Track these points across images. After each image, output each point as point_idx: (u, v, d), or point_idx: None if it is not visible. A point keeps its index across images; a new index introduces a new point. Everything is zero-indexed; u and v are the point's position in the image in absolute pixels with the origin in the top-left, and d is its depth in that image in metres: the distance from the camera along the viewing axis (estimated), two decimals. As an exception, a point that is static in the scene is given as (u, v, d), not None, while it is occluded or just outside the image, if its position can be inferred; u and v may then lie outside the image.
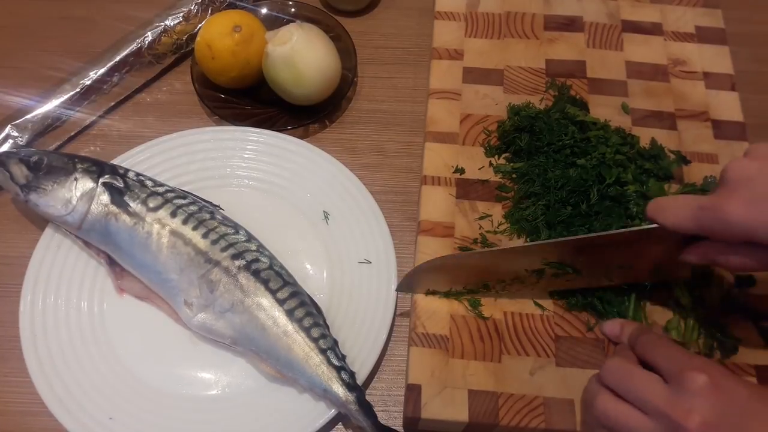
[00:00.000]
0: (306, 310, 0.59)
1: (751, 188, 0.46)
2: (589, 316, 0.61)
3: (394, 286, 0.63)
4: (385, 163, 0.73)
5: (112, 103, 0.75)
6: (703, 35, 0.78)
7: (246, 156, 0.70)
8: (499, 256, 0.58)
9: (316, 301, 0.61)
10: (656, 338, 0.52)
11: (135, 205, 0.62)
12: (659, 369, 0.48)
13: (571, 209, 0.63)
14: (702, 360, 0.48)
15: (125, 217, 0.61)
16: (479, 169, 0.69)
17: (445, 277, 0.60)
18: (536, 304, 0.61)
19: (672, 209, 0.50)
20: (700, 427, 0.43)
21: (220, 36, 0.71)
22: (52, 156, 0.64)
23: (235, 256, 0.60)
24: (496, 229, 0.65)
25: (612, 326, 0.59)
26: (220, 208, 0.65)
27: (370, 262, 0.64)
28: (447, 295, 0.61)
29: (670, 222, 0.50)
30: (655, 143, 0.69)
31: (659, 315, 0.60)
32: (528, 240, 0.64)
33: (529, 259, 0.58)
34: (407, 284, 0.61)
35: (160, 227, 0.61)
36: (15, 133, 0.69)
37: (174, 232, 0.61)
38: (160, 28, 0.75)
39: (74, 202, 0.62)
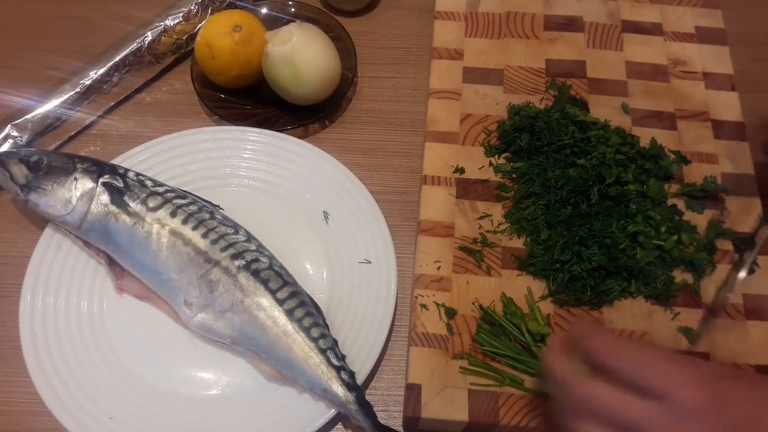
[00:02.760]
0: (306, 310, 0.59)
1: None
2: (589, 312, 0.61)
3: (394, 286, 0.62)
4: (385, 163, 0.73)
5: (112, 103, 0.75)
6: (703, 35, 0.78)
7: (246, 156, 0.70)
8: None
9: (315, 300, 0.61)
10: (627, 342, 0.44)
11: (135, 205, 0.62)
12: (632, 380, 0.41)
13: (571, 209, 0.63)
14: (690, 367, 0.41)
15: (125, 217, 0.61)
16: (479, 168, 0.69)
17: None
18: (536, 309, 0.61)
19: None
20: None
21: (220, 36, 0.71)
22: (51, 156, 0.64)
23: (235, 256, 0.60)
24: (496, 229, 0.65)
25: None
26: (220, 208, 0.65)
27: (370, 262, 0.64)
28: None
29: None
30: (655, 143, 0.69)
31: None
32: (529, 239, 0.64)
33: None
34: None
35: (159, 227, 0.61)
36: (15, 133, 0.69)
37: (174, 232, 0.61)
38: (160, 28, 0.75)
39: (74, 202, 0.62)
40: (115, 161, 0.68)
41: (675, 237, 0.62)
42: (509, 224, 0.65)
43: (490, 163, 0.69)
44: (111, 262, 0.63)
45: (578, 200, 0.64)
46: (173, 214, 0.61)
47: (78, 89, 0.72)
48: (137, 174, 0.65)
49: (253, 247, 0.61)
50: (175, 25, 0.76)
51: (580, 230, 0.62)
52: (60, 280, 0.63)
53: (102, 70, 0.73)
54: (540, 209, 0.64)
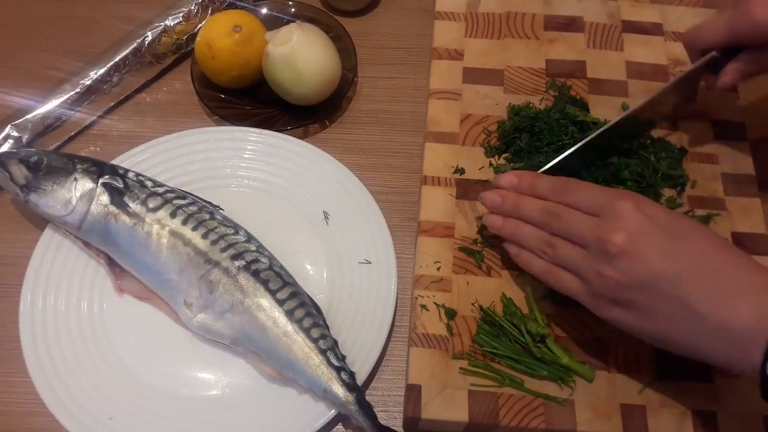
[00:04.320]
0: (306, 311, 0.59)
1: None
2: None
3: (394, 287, 0.62)
4: (385, 163, 0.73)
5: (112, 103, 0.75)
6: (703, 35, 0.78)
7: (246, 156, 0.70)
8: None
9: (316, 301, 0.61)
10: (577, 182, 0.55)
11: (135, 206, 0.62)
12: (584, 209, 0.52)
13: (571, 209, 0.63)
14: (625, 191, 0.55)
15: (125, 218, 0.61)
16: (479, 169, 0.69)
17: None
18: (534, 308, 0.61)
19: (706, 29, 0.59)
20: (625, 241, 0.48)
21: (220, 36, 0.71)
22: (51, 156, 0.64)
23: (235, 257, 0.60)
24: (496, 230, 0.65)
25: (508, 177, 0.59)
26: (220, 209, 0.65)
27: (370, 262, 0.64)
28: None
29: (709, 39, 0.59)
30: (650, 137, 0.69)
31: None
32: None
33: None
34: None
35: (159, 228, 0.61)
36: (15, 133, 0.69)
37: (174, 233, 0.61)
38: (160, 28, 0.75)
39: (74, 202, 0.62)
40: (115, 161, 0.68)
41: None
42: (509, 225, 0.65)
43: (490, 164, 0.69)
44: (111, 263, 0.63)
45: (578, 201, 0.64)
46: (173, 215, 0.61)
47: (78, 89, 0.72)
48: (137, 174, 0.65)
49: (253, 248, 0.61)
50: (175, 25, 0.76)
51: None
52: (60, 281, 0.63)
53: (102, 70, 0.73)
54: (540, 210, 0.64)
